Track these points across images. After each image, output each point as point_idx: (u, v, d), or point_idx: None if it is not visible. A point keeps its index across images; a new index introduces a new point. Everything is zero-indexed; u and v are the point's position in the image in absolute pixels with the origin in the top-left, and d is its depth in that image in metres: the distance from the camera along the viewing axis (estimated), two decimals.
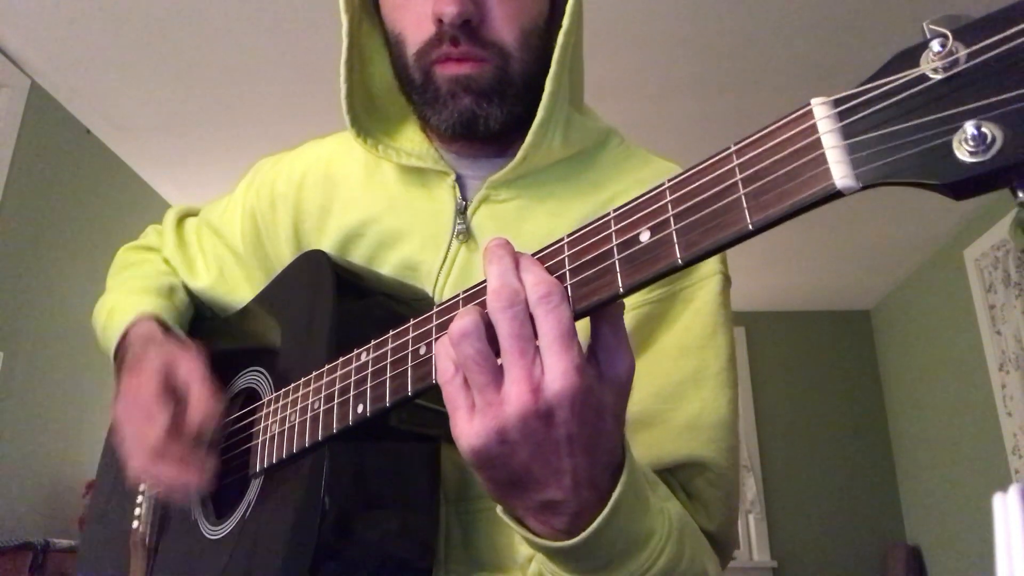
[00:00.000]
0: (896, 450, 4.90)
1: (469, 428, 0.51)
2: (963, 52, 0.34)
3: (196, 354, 0.82)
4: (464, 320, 0.50)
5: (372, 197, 0.88)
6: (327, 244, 0.88)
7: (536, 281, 0.50)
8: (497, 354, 0.51)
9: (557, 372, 0.48)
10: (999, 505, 0.57)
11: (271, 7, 2.57)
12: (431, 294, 0.82)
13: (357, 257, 0.87)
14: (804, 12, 2.58)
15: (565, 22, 0.77)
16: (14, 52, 2.80)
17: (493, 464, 0.51)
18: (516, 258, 0.52)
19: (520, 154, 0.79)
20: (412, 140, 0.88)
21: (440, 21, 0.74)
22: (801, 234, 4.13)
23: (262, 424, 0.76)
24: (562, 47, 0.77)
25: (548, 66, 0.79)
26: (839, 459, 4.92)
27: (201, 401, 0.77)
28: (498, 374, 0.50)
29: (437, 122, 0.79)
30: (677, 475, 0.75)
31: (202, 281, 1.00)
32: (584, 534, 0.53)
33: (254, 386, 0.84)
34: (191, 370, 0.79)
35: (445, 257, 0.83)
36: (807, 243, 4.23)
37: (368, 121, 0.87)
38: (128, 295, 0.96)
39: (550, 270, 0.51)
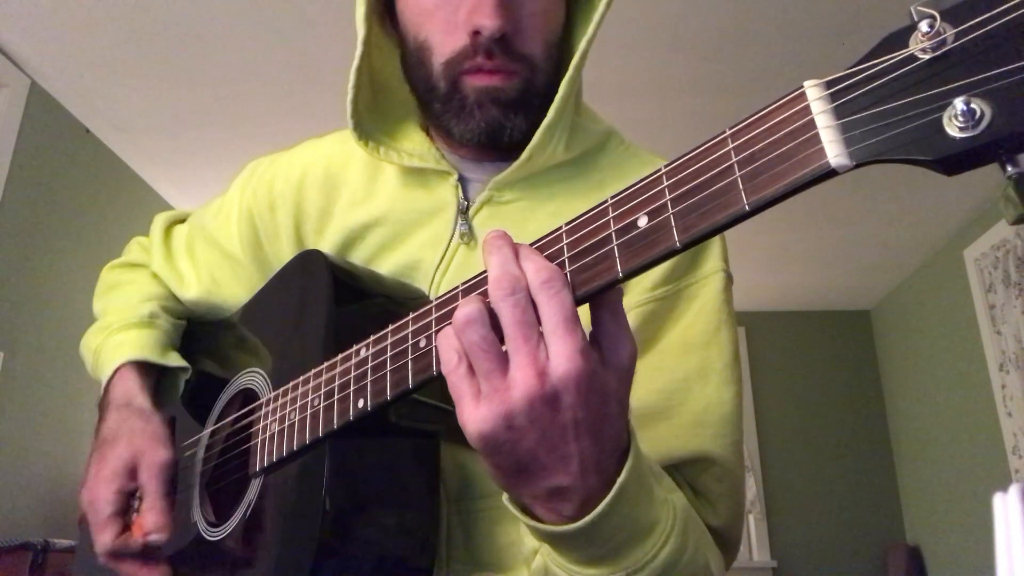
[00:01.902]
0: (896, 450, 4.90)
1: (476, 414, 0.51)
2: (950, 32, 0.35)
3: (164, 445, 0.84)
4: (468, 308, 0.51)
5: (374, 200, 0.88)
6: (327, 245, 0.89)
7: (537, 268, 0.51)
8: (501, 342, 0.51)
9: (562, 356, 0.49)
10: (999, 505, 0.57)
11: (271, 7, 2.57)
12: (428, 291, 0.83)
13: (357, 258, 0.87)
14: (804, 12, 2.58)
15: (590, 30, 0.78)
16: (14, 52, 2.81)
17: (500, 450, 0.52)
18: (515, 248, 0.53)
19: (525, 154, 0.80)
20: (412, 139, 0.87)
21: (477, 33, 0.73)
22: (801, 234, 4.13)
23: (261, 424, 0.76)
24: (582, 54, 0.78)
25: (562, 72, 0.80)
26: (839, 459, 4.92)
27: (150, 518, 0.79)
28: (503, 360, 0.50)
29: (461, 131, 0.79)
30: (683, 471, 0.75)
31: (192, 292, 1.00)
32: (589, 517, 0.54)
33: (252, 387, 0.84)
34: (150, 476, 0.82)
35: (444, 255, 0.83)
36: (807, 243, 4.24)
37: (370, 122, 0.86)
38: (110, 335, 0.97)
39: (549, 258, 0.52)
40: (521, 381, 0.49)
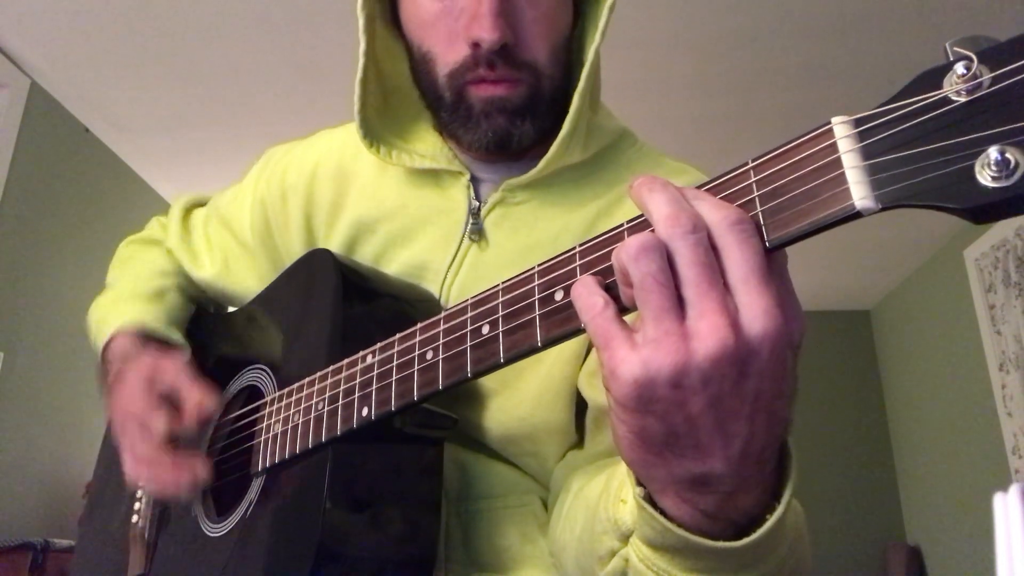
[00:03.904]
0: (896, 450, 4.90)
1: (634, 355, 0.42)
2: (987, 76, 0.34)
3: (178, 357, 0.82)
4: (643, 236, 0.43)
5: (384, 194, 0.87)
6: (337, 239, 0.88)
7: (723, 207, 0.43)
8: None
9: (758, 310, 0.41)
10: (999, 505, 0.57)
11: (271, 7, 2.56)
12: (438, 293, 0.82)
13: (366, 253, 0.87)
14: (804, 12, 2.58)
15: (596, 38, 0.77)
16: (14, 52, 2.79)
17: (652, 410, 0.43)
18: (682, 189, 0.45)
19: (542, 164, 0.79)
20: (425, 140, 0.87)
21: (477, 45, 0.73)
22: None
23: (264, 423, 0.77)
24: (591, 64, 0.77)
25: (572, 73, 0.79)
26: (839, 459, 4.91)
27: (194, 401, 0.77)
28: (679, 303, 0.42)
29: (470, 140, 0.78)
30: None
31: (206, 272, 1.00)
32: (763, 530, 0.46)
33: (256, 384, 0.84)
34: (177, 373, 0.80)
35: (455, 256, 0.83)
36: (807, 243, 4.18)
37: (380, 126, 0.86)
38: (116, 303, 0.96)
39: (730, 200, 0.44)
40: (708, 332, 0.40)
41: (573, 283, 0.48)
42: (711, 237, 0.42)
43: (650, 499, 0.49)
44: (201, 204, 1.09)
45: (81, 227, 3.19)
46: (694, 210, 0.43)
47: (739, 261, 0.42)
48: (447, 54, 0.76)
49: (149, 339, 0.92)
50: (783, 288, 0.44)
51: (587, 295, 0.46)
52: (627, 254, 0.43)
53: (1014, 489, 0.57)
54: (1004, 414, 3.64)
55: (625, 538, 0.56)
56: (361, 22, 0.81)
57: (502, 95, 0.75)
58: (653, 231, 0.43)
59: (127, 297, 0.97)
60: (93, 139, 3.28)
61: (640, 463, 0.47)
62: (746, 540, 0.46)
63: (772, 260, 0.44)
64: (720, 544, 0.47)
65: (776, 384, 0.43)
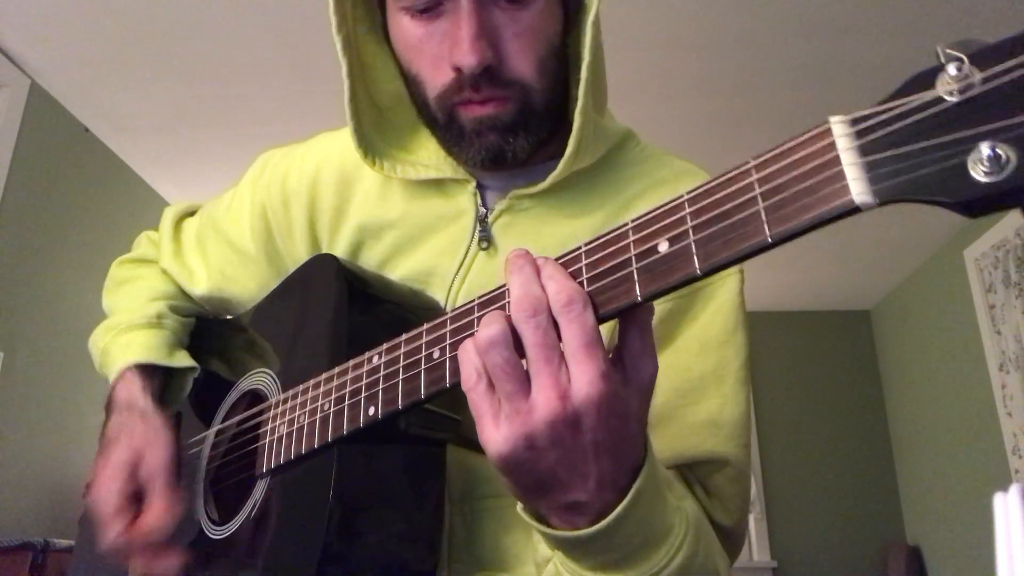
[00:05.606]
0: (896, 450, 4.91)
1: (497, 435, 0.52)
2: (978, 76, 0.35)
3: (164, 442, 0.84)
4: (491, 328, 0.51)
5: (390, 201, 0.87)
6: (342, 244, 0.88)
7: (559, 289, 0.51)
8: (521, 355, 0.52)
9: (583, 380, 0.49)
10: (999, 505, 0.58)
11: (271, 7, 2.57)
12: (444, 298, 0.82)
13: (371, 258, 0.87)
14: (805, 12, 2.58)
15: (586, 56, 0.76)
16: (14, 52, 2.80)
17: (520, 468, 0.53)
18: (537, 266, 0.53)
19: (549, 180, 0.80)
20: (427, 148, 0.87)
21: (459, 70, 0.73)
22: None
23: (269, 425, 0.77)
24: (586, 81, 0.76)
25: (569, 78, 0.79)
26: (839, 459, 4.92)
27: (154, 512, 0.79)
28: (525, 382, 0.51)
29: (465, 158, 0.79)
30: (696, 471, 0.76)
31: (202, 287, 1.00)
32: (605, 522, 0.54)
33: (260, 387, 0.84)
34: (153, 471, 0.82)
35: (462, 263, 0.83)
36: (807, 243, 4.20)
37: (379, 140, 0.86)
38: (118, 335, 0.96)
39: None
40: (543, 404, 0.50)
41: (468, 338, 0.54)
42: (553, 313, 0.50)
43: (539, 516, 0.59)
44: (191, 213, 1.08)
45: (81, 227, 3.19)
46: (539, 292, 0.51)
47: (569, 337, 0.50)
48: (434, 77, 0.77)
49: (155, 370, 0.93)
50: (639, 340, 0.53)
51: (466, 365, 0.53)
52: (478, 346, 0.52)
53: (1014, 489, 0.58)
54: (1004, 414, 3.65)
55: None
56: (339, 45, 0.81)
57: (491, 114, 0.75)
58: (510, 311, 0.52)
59: (126, 327, 0.96)
60: (93, 139, 3.28)
61: (524, 500, 0.57)
62: (593, 528, 0.55)
63: (632, 316, 0.52)
64: (577, 533, 0.56)
65: (614, 431, 0.52)
